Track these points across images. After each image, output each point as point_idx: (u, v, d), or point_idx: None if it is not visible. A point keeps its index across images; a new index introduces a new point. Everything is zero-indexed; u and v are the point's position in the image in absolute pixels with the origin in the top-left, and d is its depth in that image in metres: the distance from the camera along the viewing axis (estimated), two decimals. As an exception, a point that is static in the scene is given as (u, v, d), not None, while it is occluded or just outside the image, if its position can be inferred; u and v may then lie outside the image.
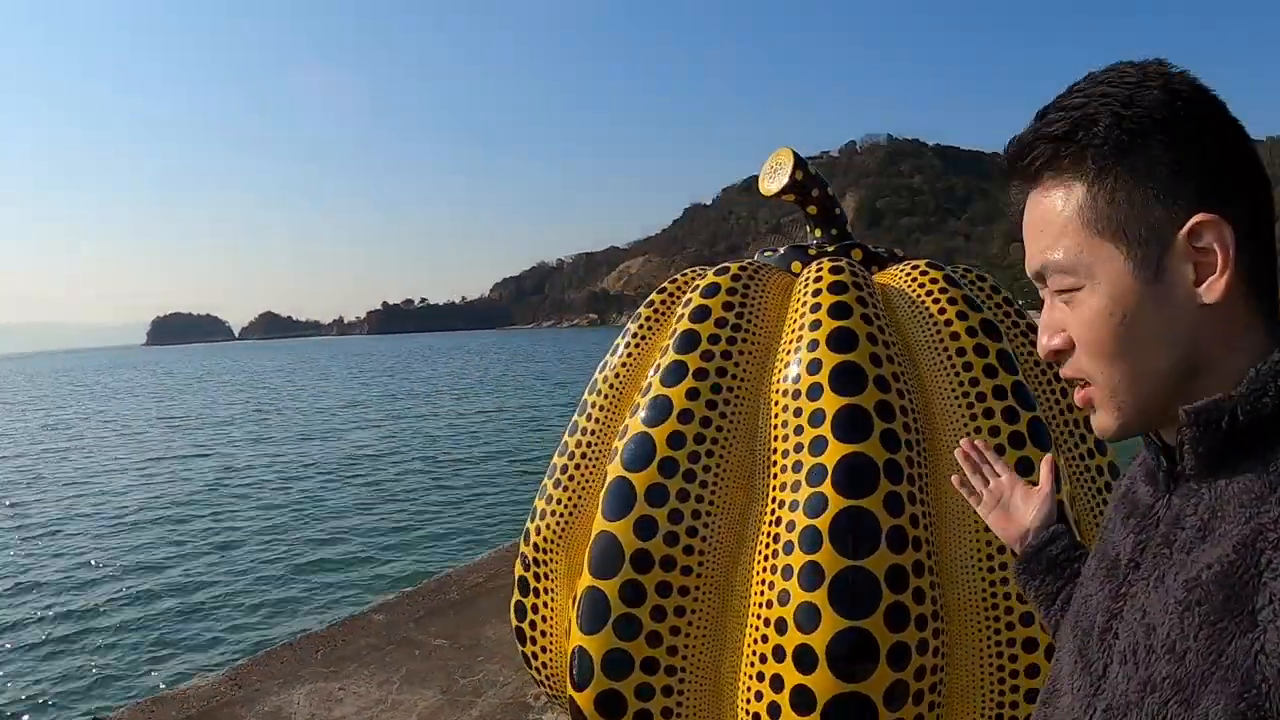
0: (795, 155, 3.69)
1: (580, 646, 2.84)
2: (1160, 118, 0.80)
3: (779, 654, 2.60)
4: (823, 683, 2.54)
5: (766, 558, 2.74)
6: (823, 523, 2.63)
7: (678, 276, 3.78)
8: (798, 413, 2.88)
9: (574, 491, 3.42)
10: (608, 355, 3.65)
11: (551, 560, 3.40)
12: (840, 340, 2.93)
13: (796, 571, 2.62)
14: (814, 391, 2.87)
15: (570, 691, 2.93)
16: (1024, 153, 0.88)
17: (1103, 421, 0.89)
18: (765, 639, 2.66)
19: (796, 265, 3.63)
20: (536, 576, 3.43)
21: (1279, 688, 0.66)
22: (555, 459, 3.55)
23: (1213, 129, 0.81)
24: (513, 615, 3.53)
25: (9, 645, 9.58)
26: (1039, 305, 0.96)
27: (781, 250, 3.81)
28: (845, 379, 2.85)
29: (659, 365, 3.13)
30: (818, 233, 3.88)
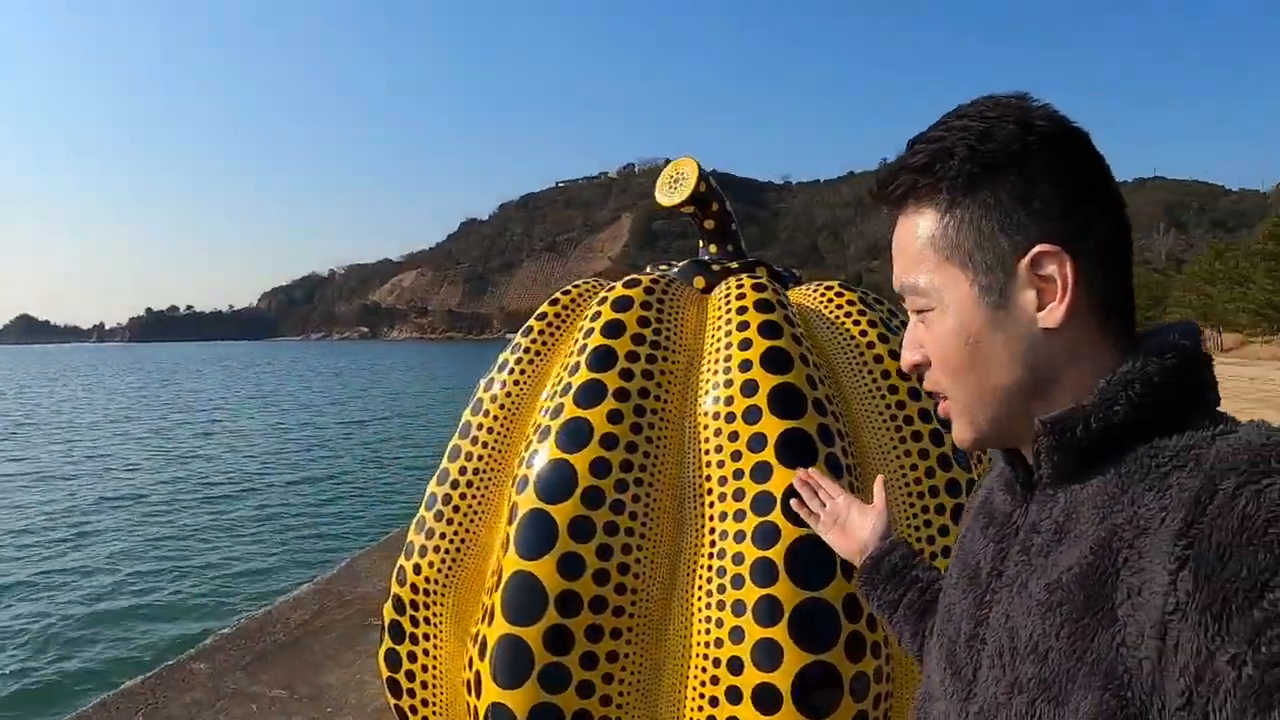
0: (699, 167, 3.70)
1: (498, 703, 2.59)
2: (1011, 152, 0.89)
3: (734, 696, 2.50)
4: (786, 723, 2.48)
5: (710, 593, 2.65)
6: (777, 554, 2.58)
7: (570, 288, 3.65)
8: (733, 437, 2.83)
9: (461, 525, 3.17)
10: (493, 372, 3.44)
11: (435, 602, 3.11)
12: (775, 361, 2.92)
13: (751, 606, 2.54)
14: (751, 414, 2.83)
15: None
16: (888, 181, 0.98)
17: (959, 433, 1.00)
18: (715, 680, 2.55)
19: (700, 280, 3.63)
20: (414, 621, 3.13)
21: (1140, 678, 0.74)
22: (433, 488, 3.28)
23: (1064, 163, 0.90)
24: (382, 664, 3.19)
25: None
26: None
27: (678, 265, 3.79)
28: (785, 402, 2.84)
29: (568, 385, 2.97)
30: (713, 248, 3.90)
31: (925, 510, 3.03)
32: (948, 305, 0.94)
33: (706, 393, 2.97)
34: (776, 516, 2.62)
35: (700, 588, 2.68)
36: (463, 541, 3.14)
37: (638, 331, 3.06)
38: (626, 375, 2.95)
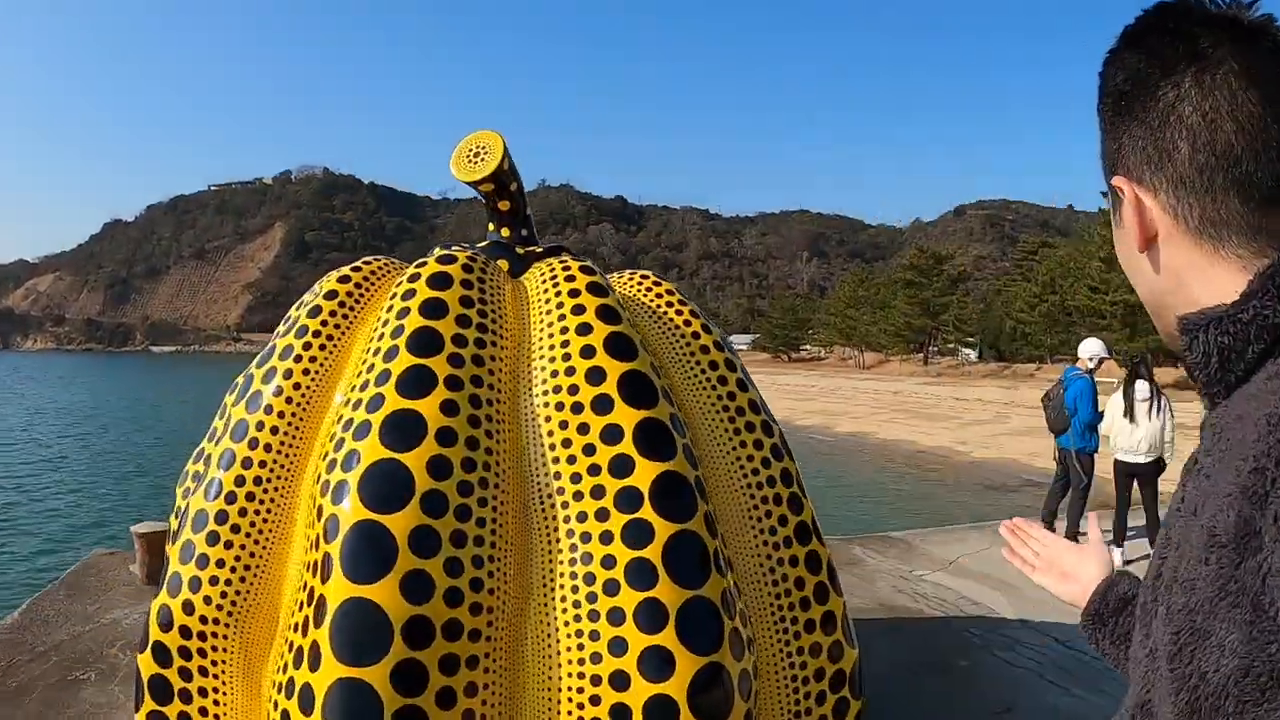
0: (504, 143, 3.52)
1: (336, 766, 2.25)
2: (1104, 88, 1.01)
3: (621, 714, 2.35)
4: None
5: (578, 603, 2.48)
6: (653, 553, 2.47)
7: (361, 265, 3.31)
8: (583, 429, 2.69)
9: (245, 547, 2.73)
10: (272, 360, 3.02)
11: (218, 647, 2.65)
12: (619, 347, 2.83)
13: (630, 613, 2.41)
14: (601, 404, 2.71)
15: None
16: None
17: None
18: (596, 700, 2.37)
19: (503, 264, 3.46)
20: (186, 674, 2.64)
21: None
22: (201, 504, 2.80)
23: (1141, 102, 0.96)
24: None
25: None
26: None
27: (480, 246, 3.60)
28: (636, 389, 2.75)
29: (386, 372, 2.67)
30: (505, 232, 3.74)
31: (765, 501, 3.08)
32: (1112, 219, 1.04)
33: (544, 381, 2.81)
34: (646, 513, 2.52)
35: (564, 598, 2.51)
36: (248, 568, 2.72)
37: (462, 312, 2.83)
38: (456, 361, 2.71)
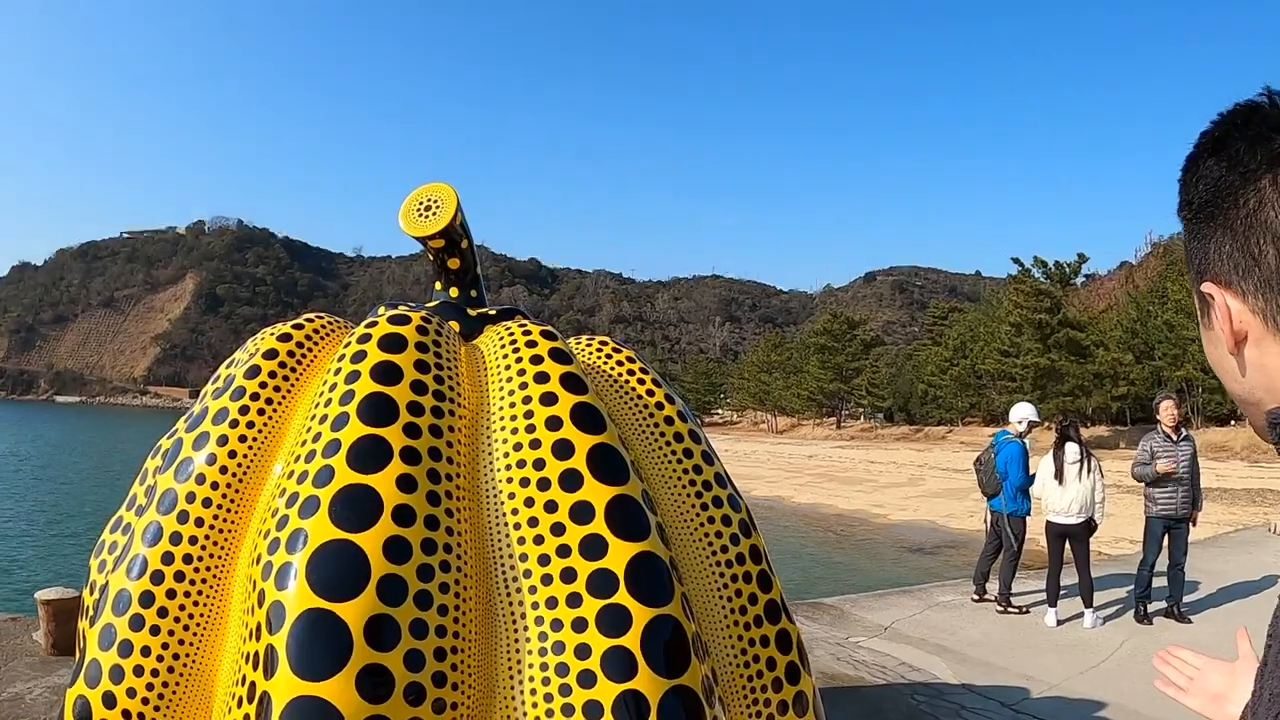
0: (456, 196, 3.37)
1: None
2: (1186, 200, 1.03)
3: (599, 827, 2.17)
4: None
5: (550, 696, 2.27)
6: (631, 641, 2.29)
7: (304, 322, 3.09)
8: (551, 506, 2.52)
9: (175, 635, 2.47)
10: (204, 424, 2.78)
11: (138, 754, 2.38)
12: (587, 418, 2.67)
13: (609, 708, 2.22)
14: (570, 480, 2.54)
15: None
16: None
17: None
18: None
19: (454, 325, 3.28)
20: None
21: None
22: (123, 582, 2.53)
23: (1224, 211, 0.99)
24: None
25: None
26: None
27: (428, 305, 3.41)
28: (606, 464, 2.58)
29: (335, 442, 2.44)
30: (454, 291, 3.57)
31: (735, 579, 2.94)
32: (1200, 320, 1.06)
33: (506, 454, 2.63)
34: (623, 597, 2.35)
35: (534, 690, 2.31)
36: (177, 658, 2.46)
37: (417, 378, 2.65)
38: (412, 431, 2.52)
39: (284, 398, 2.84)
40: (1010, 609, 8.70)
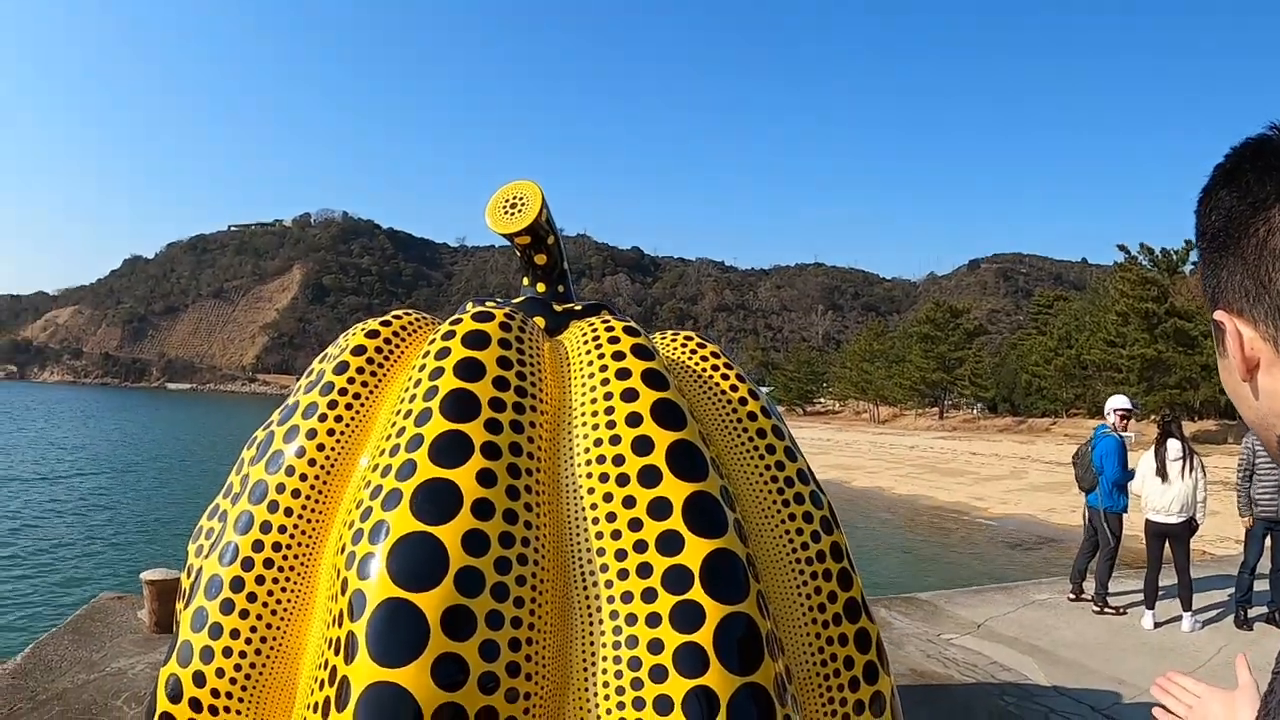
0: (541, 194, 3.39)
1: None
2: (1203, 229, 1.02)
3: (667, 814, 2.16)
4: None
5: (621, 689, 2.27)
6: (704, 638, 2.28)
7: (391, 319, 3.16)
8: (629, 501, 2.51)
9: (263, 619, 2.56)
10: (295, 418, 2.86)
11: (228, 726, 2.47)
12: (667, 414, 2.65)
13: (679, 703, 2.21)
14: (649, 476, 2.52)
15: None
16: None
17: None
18: None
19: (540, 321, 3.30)
20: (195, 753, 2.46)
21: None
22: (216, 568, 2.63)
23: (1236, 240, 0.98)
24: None
25: None
26: None
27: (515, 301, 3.44)
28: (685, 461, 2.56)
29: (418, 437, 2.49)
30: (541, 286, 3.59)
31: (814, 576, 2.88)
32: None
33: (587, 450, 2.63)
34: (697, 594, 2.33)
35: (607, 684, 2.31)
36: (264, 641, 2.54)
37: (500, 374, 2.67)
38: (494, 427, 2.54)
39: (371, 392, 2.89)
40: (1106, 609, 8.35)
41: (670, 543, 2.41)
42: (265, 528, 2.67)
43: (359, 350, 2.98)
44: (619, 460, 2.56)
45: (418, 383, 2.67)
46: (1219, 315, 0.99)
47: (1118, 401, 8.89)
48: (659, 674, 2.25)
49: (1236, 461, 8.33)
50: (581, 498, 2.57)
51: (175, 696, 2.52)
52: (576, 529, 2.53)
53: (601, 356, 2.82)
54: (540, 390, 2.75)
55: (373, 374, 2.94)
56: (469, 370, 2.64)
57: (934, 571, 15.90)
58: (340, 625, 2.29)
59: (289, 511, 2.70)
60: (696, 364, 3.23)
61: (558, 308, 3.40)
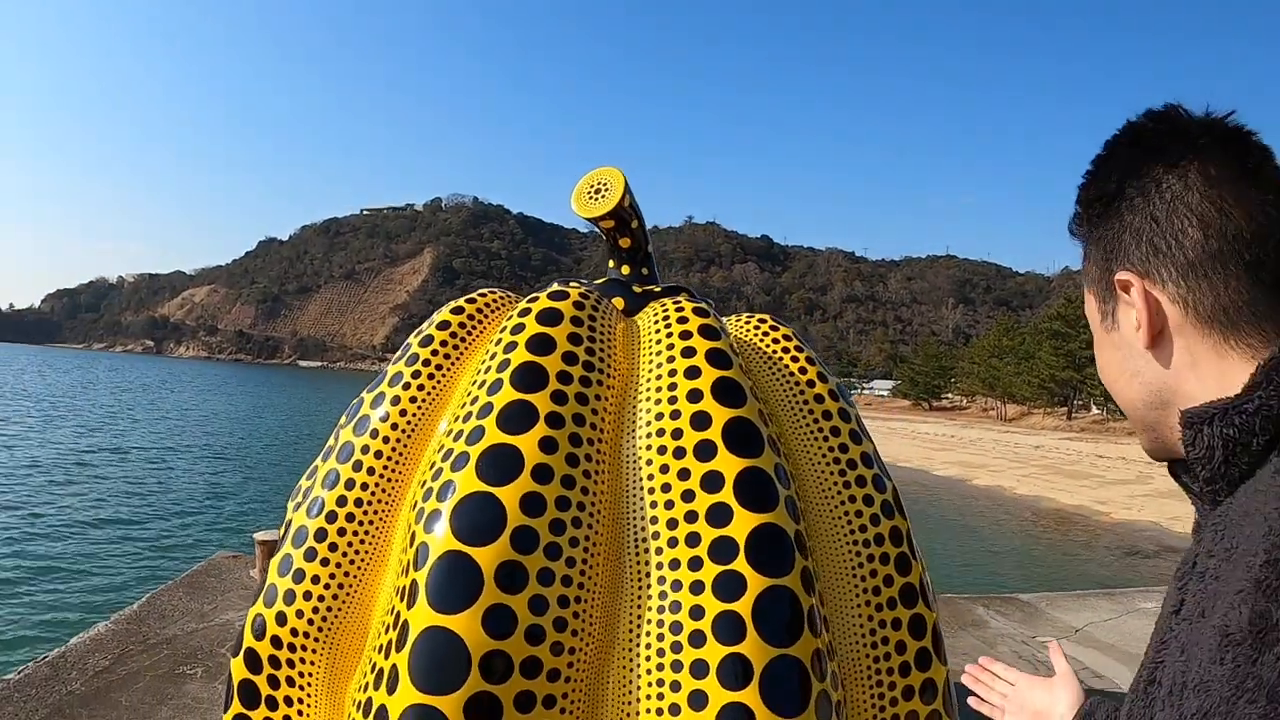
0: (624, 179, 3.48)
1: (407, 793, 2.20)
2: (1102, 192, 1.00)
3: (697, 772, 2.24)
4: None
5: (662, 651, 2.37)
6: (743, 607, 2.34)
7: (475, 297, 3.32)
8: (684, 474, 2.59)
9: (340, 567, 2.74)
10: (382, 386, 3.05)
11: (305, 660, 2.66)
12: (727, 392, 2.72)
13: (714, 668, 2.28)
14: (704, 450, 2.60)
15: None
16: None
17: (1140, 443, 1.06)
18: None
19: (619, 301, 3.40)
20: (274, 681, 2.66)
21: None
22: (303, 520, 2.84)
23: (1144, 195, 0.96)
24: None
25: None
26: None
27: (597, 283, 3.55)
28: (740, 437, 2.62)
29: (488, 405, 2.64)
30: (626, 269, 3.69)
31: (871, 559, 2.90)
32: (1094, 329, 1.04)
33: (648, 423, 2.72)
34: (740, 565, 2.39)
35: (649, 645, 2.40)
36: (341, 587, 2.72)
37: (569, 349, 2.78)
38: (559, 398, 2.65)
39: (453, 364, 3.05)
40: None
41: (719, 514, 2.48)
42: (349, 485, 2.86)
43: (444, 325, 3.14)
44: (677, 434, 2.64)
45: (493, 355, 2.81)
46: (1124, 275, 0.96)
47: None
48: (697, 639, 2.32)
49: None
50: (641, 468, 2.66)
51: (259, 634, 2.73)
52: (634, 497, 2.62)
53: (670, 335, 2.89)
54: (608, 365, 2.85)
55: (455, 347, 3.09)
56: (540, 345, 2.75)
57: (1044, 574, 15.38)
58: (406, 574, 2.44)
59: (371, 470, 2.87)
60: (768, 346, 3.27)
61: (637, 289, 3.48)
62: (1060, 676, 1.49)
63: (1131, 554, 17.98)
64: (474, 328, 3.17)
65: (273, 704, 2.69)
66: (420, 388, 3.00)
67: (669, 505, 2.55)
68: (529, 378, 2.67)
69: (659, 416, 2.70)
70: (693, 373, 2.75)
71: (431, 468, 2.66)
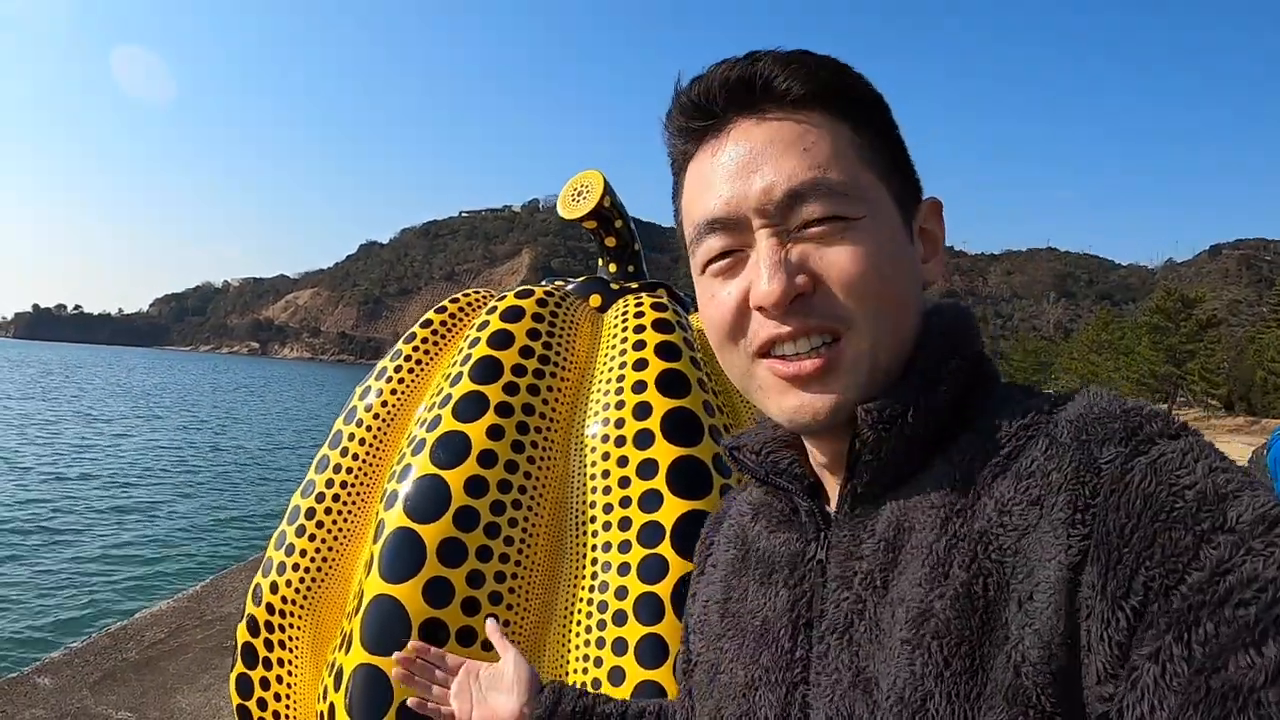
0: (604, 180, 3.62)
1: (351, 742, 2.40)
2: (877, 99, 0.85)
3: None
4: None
5: (589, 629, 2.51)
6: (663, 590, 2.46)
7: (459, 296, 3.51)
8: (622, 461, 2.72)
9: (324, 541, 2.96)
10: (369, 379, 3.27)
11: (293, 625, 2.89)
12: (671, 384, 2.83)
13: (632, 646, 2.41)
14: (643, 439, 2.72)
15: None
16: (755, 78, 0.81)
17: (842, 391, 0.79)
18: None
19: (596, 298, 3.53)
20: (269, 645, 2.90)
21: (1050, 694, 0.65)
22: (297, 500, 3.07)
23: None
24: (233, 690, 2.93)
25: None
26: None
27: (577, 281, 3.69)
28: (679, 427, 2.74)
29: (448, 396, 2.82)
30: (613, 267, 3.81)
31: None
32: (879, 215, 0.80)
33: (596, 414, 2.86)
34: (665, 549, 2.51)
35: (579, 622, 2.54)
36: (324, 560, 2.94)
37: (526, 344, 2.94)
38: (511, 389, 2.81)
39: (430, 359, 3.23)
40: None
41: (651, 500, 2.60)
42: (336, 469, 3.07)
43: (426, 323, 3.34)
44: (620, 423, 2.77)
45: (461, 350, 2.99)
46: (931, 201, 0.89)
47: None
48: (620, 618, 2.45)
49: None
50: (587, 455, 2.80)
51: (257, 600, 2.96)
52: (579, 483, 2.76)
53: (625, 329, 3.02)
54: (565, 358, 2.99)
55: (434, 344, 3.28)
56: (500, 340, 2.92)
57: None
58: (370, 548, 2.64)
59: (355, 456, 3.08)
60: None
61: (615, 286, 3.61)
62: (507, 660, 1.27)
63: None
64: (453, 325, 3.35)
65: (268, 664, 2.92)
66: (401, 381, 3.19)
67: (607, 490, 2.69)
68: (486, 371, 2.83)
69: (606, 406, 2.84)
70: (640, 365, 2.87)
71: (399, 457, 2.85)
